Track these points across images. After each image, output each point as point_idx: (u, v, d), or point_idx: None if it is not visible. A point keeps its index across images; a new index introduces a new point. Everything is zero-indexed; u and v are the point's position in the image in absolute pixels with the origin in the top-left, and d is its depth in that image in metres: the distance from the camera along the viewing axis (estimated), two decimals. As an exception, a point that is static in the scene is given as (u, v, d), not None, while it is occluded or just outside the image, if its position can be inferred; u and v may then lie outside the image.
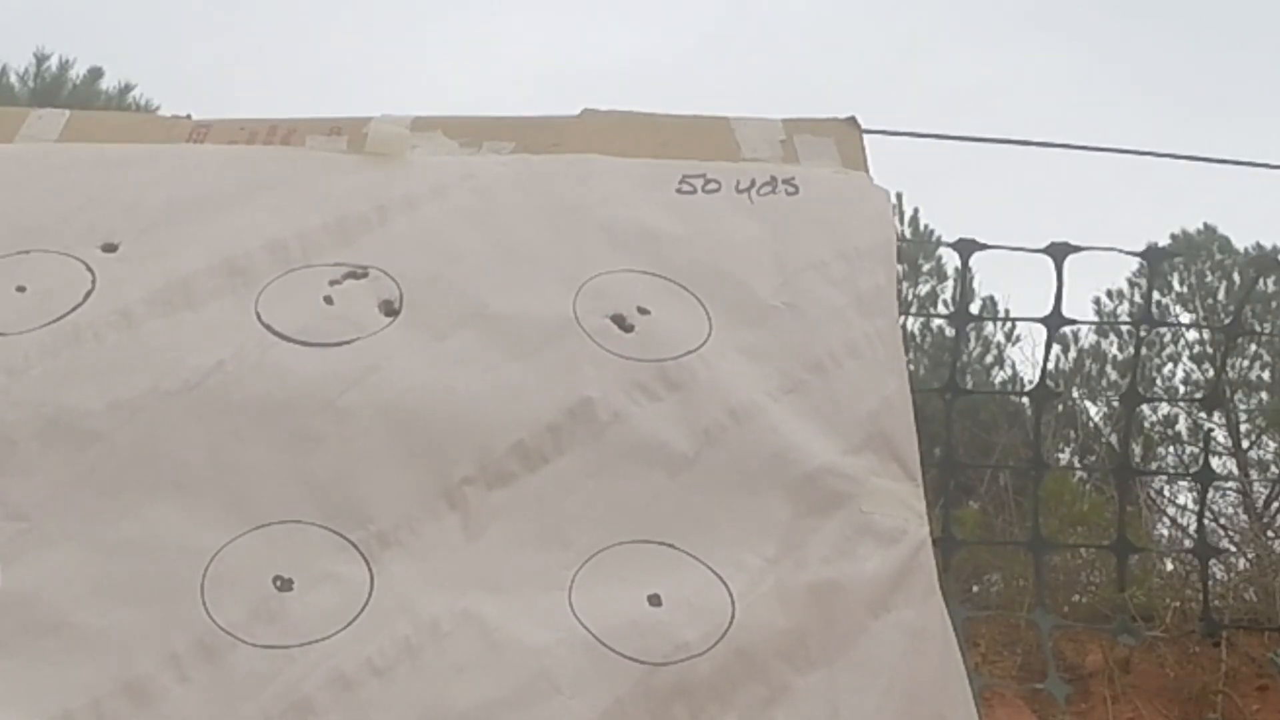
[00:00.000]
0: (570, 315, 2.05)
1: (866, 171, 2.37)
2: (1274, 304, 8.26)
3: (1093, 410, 8.30)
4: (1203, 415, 7.78)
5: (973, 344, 8.68)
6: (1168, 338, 8.65)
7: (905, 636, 1.85)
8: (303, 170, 2.26)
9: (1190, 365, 8.68)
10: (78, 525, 1.79)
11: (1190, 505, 6.70)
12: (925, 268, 8.96)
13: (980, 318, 8.35)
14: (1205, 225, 9.09)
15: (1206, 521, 4.89)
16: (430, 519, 1.83)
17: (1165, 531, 7.06)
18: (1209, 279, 8.85)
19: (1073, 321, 3.97)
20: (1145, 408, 7.88)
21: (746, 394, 2.00)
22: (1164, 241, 8.63)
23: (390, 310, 2.05)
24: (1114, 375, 8.67)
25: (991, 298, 8.17)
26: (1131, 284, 8.80)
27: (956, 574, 4.65)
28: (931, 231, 8.62)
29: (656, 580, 1.81)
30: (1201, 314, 8.67)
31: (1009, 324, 8.46)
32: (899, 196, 8.14)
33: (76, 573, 1.74)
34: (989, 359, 8.85)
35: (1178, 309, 8.80)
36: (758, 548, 1.87)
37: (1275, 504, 6.95)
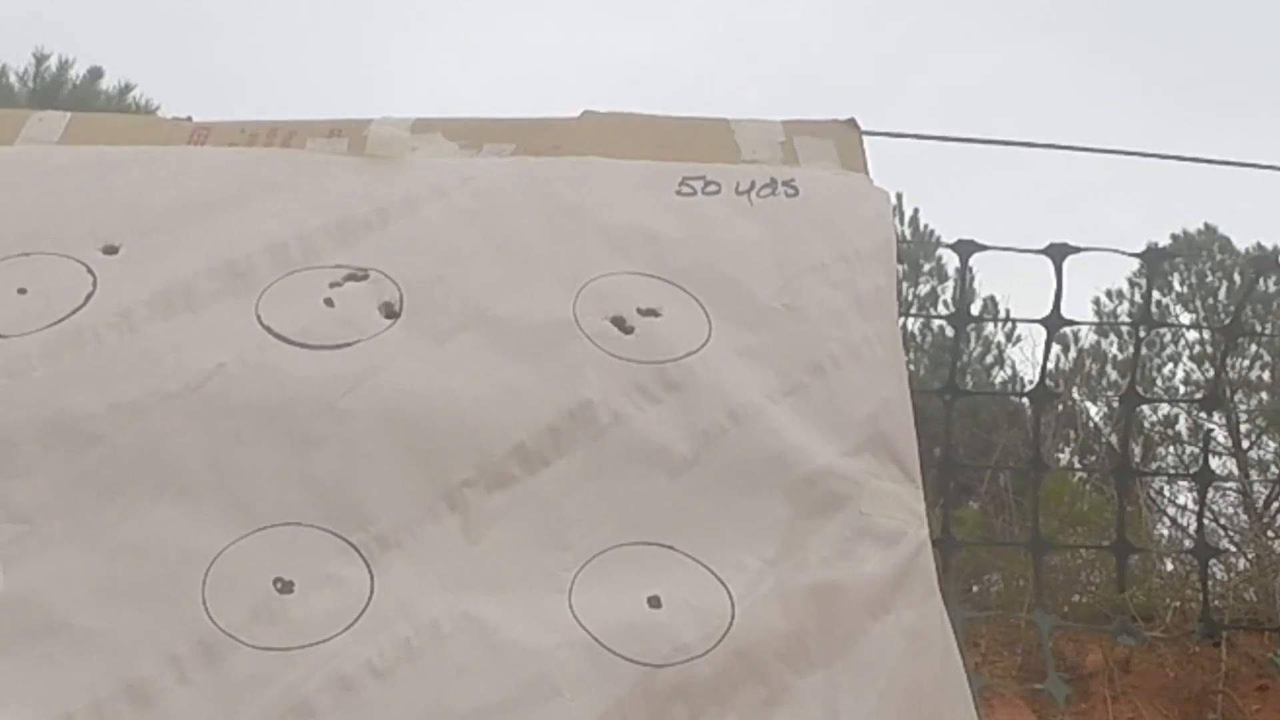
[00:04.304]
0: (570, 317, 2.06)
1: (866, 173, 2.37)
2: (1274, 304, 8.27)
3: (1093, 410, 8.32)
4: (1203, 415, 7.79)
5: (973, 344, 8.69)
6: (1168, 338, 8.66)
7: (905, 638, 1.85)
8: (303, 172, 2.26)
9: (1190, 365, 8.69)
10: (79, 527, 1.79)
11: (1190, 505, 6.71)
12: (925, 268, 8.98)
13: (980, 318, 8.37)
14: (1205, 225, 9.11)
15: (1206, 521, 4.89)
16: (430, 521, 1.84)
17: (1165, 531, 7.07)
18: (1209, 279, 8.86)
19: (1072, 322, 3.98)
20: (1145, 408, 7.90)
21: (746, 396, 2.00)
22: (1164, 241, 8.65)
23: (391, 312, 2.05)
24: (1114, 375, 8.68)
25: (992, 298, 8.19)
26: (1131, 284, 8.82)
27: (956, 574, 4.66)
28: (931, 232, 8.64)
29: (656, 582, 1.81)
30: (1201, 314, 8.68)
31: (1009, 324, 8.48)
32: (899, 197, 8.16)
33: (77, 574, 1.74)
34: (989, 359, 8.87)
35: (1178, 309, 8.81)
36: (757, 549, 1.87)
37: (1275, 504, 6.96)
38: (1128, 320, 8.83)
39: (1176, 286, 8.90)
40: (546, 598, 1.78)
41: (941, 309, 8.93)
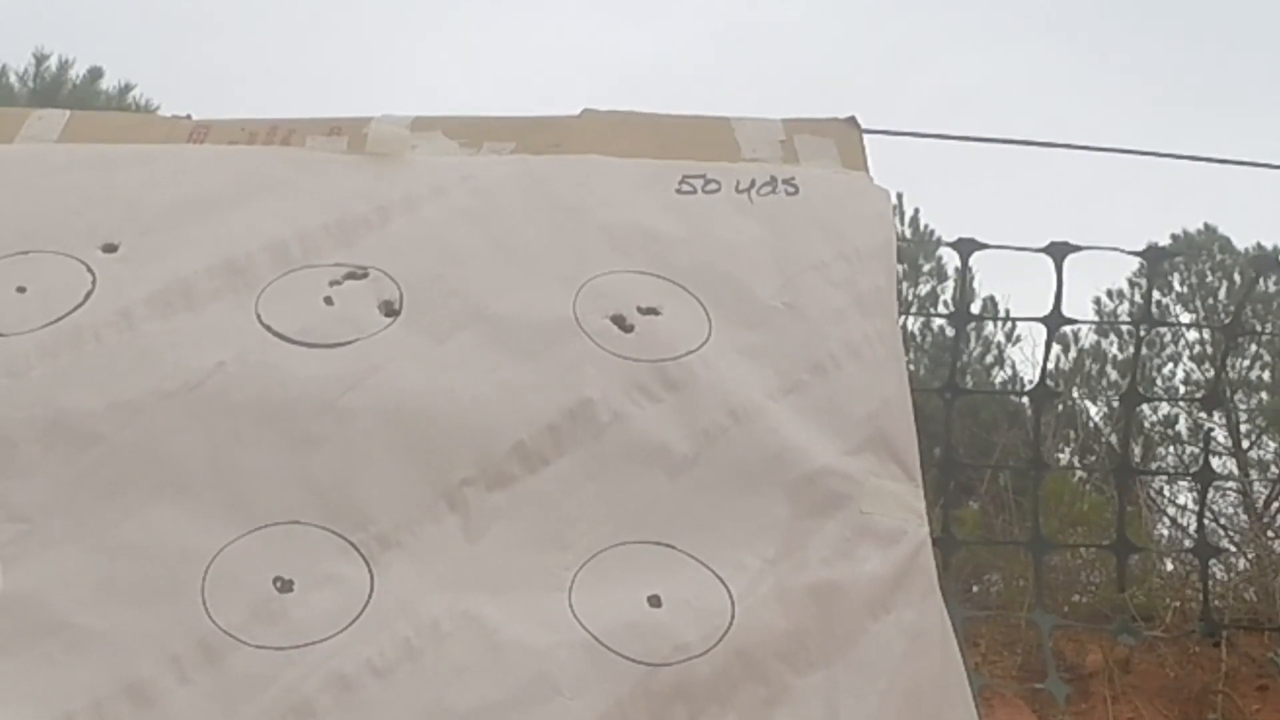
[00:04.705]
0: (570, 316, 2.05)
1: (867, 172, 2.37)
2: (1274, 304, 8.27)
3: (1093, 410, 8.31)
4: (1203, 415, 7.78)
5: (973, 344, 8.68)
6: (1168, 338, 8.66)
7: (905, 637, 1.85)
8: (303, 171, 2.26)
9: (1190, 365, 8.68)
10: (78, 527, 1.79)
11: (1190, 505, 6.71)
12: (925, 268, 8.97)
13: (980, 317, 8.36)
14: (1205, 225, 9.11)
15: (1206, 521, 4.88)
16: (430, 520, 1.84)
17: (1165, 531, 7.07)
18: (1209, 279, 8.85)
19: (1073, 321, 3.97)
20: (1145, 408, 7.89)
21: (746, 395, 2.00)
22: (1164, 241, 8.64)
23: (390, 311, 2.05)
24: (1114, 375, 8.67)
25: (991, 297, 8.18)
26: (1131, 284, 8.81)
27: (956, 574, 4.66)
28: (931, 231, 8.63)
29: (656, 581, 1.81)
30: (1201, 314, 8.67)
31: (1009, 324, 8.47)
32: (899, 196, 8.15)
33: (77, 574, 1.74)
34: (989, 359, 8.86)
35: (1178, 309, 8.81)
36: (757, 549, 1.87)
37: (1275, 504, 6.96)
38: (1128, 320, 8.83)
39: (1176, 286, 8.90)
40: (546, 597, 1.78)
41: (941, 308, 8.93)
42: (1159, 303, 8.45)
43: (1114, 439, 7.53)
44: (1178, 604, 5.10)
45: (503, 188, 2.25)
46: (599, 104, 2.47)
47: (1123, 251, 3.95)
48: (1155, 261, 5.12)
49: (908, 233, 8.30)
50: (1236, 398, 8.00)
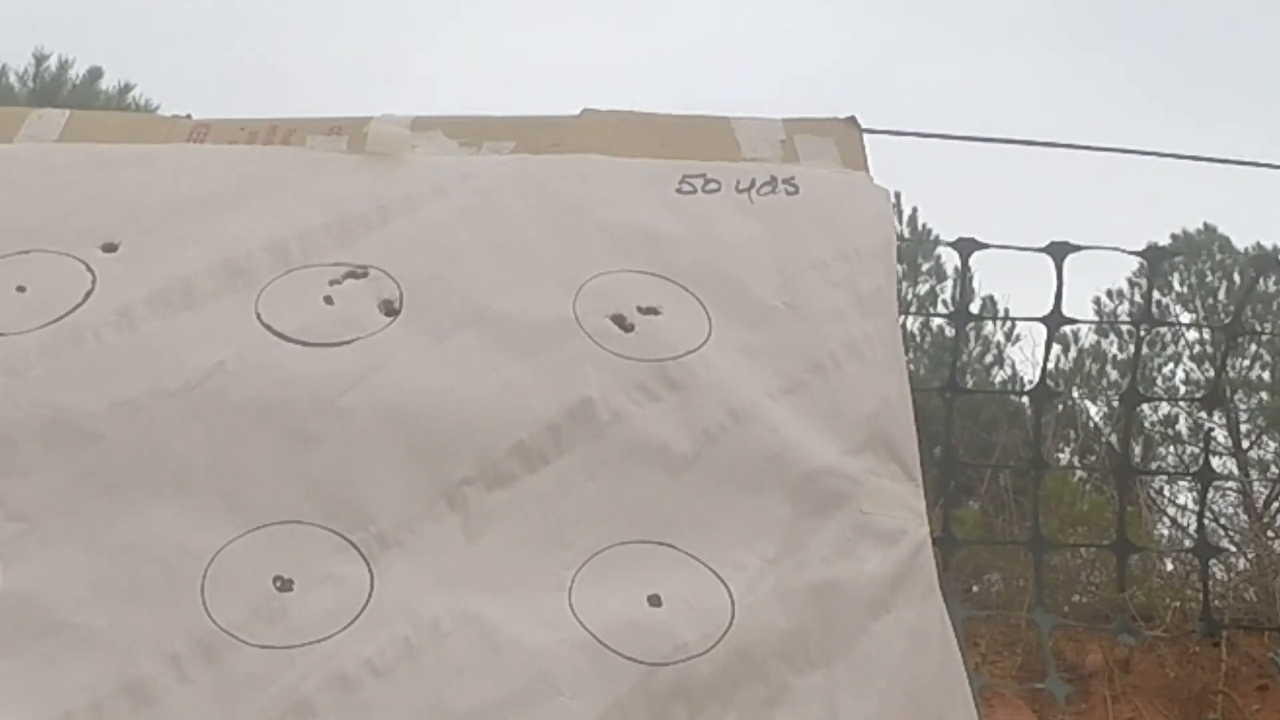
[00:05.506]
0: (570, 315, 2.05)
1: (867, 171, 2.37)
2: (1274, 304, 8.27)
3: (1093, 410, 8.31)
4: (1203, 415, 7.78)
5: (973, 344, 8.68)
6: (1168, 338, 8.66)
7: (905, 637, 1.85)
8: (303, 170, 2.26)
9: (1190, 365, 8.69)
10: (78, 526, 1.79)
11: (1190, 505, 6.71)
12: (925, 267, 8.97)
13: (980, 317, 8.35)
14: (1205, 225, 9.11)
15: (1206, 521, 4.88)
16: (430, 519, 1.83)
17: (1165, 531, 7.07)
18: (1209, 279, 8.85)
19: (1073, 321, 3.97)
20: (1145, 408, 7.89)
21: (746, 394, 2.00)
22: (1164, 241, 8.64)
23: (390, 310, 2.05)
24: (1114, 375, 8.67)
25: (991, 297, 8.17)
26: (1131, 284, 8.81)
27: (956, 574, 4.65)
28: (931, 231, 8.63)
29: (656, 580, 1.81)
30: (1201, 314, 8.67)
31: (1009, 323, 8.47)
32: (898, 196, 8.15)
33: (77, 573, 1.74)
34: (989, 359, 8.86)
35: (1178, 309, 8.81)
36: (758, 548, 1.86)
37: (1275, 504, 6.95)
38: (1128, 320, 8.84)
39: (1176, 286, 8.90)
40: (546, 596, 1.78)
41: (941, 308, 8.93)
42: (1159, 303, 8.45)
43: (1114, 439, 7.52)
44: (1178, 604, 5.09)
45: (503, 187, 2.25)
46: (599, 104, 2.47)
47: (1123, 251, 3.95)
48: (1155, 261, 5.13)
49: (906, 232, 8.30)
50: (1236, 398, 8.00)
